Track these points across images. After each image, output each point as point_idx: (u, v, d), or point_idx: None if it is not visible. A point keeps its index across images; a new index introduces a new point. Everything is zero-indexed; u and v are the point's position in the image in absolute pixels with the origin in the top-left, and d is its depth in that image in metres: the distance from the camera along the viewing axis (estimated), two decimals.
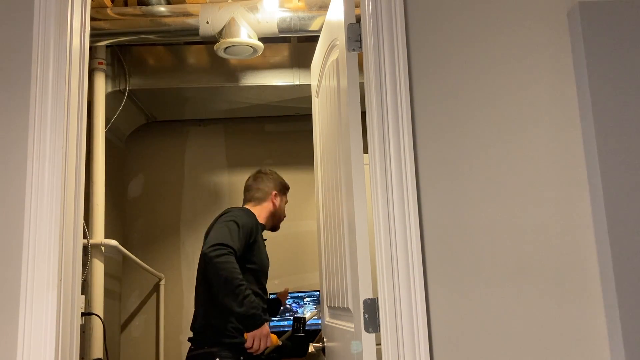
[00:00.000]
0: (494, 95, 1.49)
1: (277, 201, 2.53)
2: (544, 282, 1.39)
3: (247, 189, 2.57)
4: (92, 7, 1.81)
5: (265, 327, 2.14)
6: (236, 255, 2.13)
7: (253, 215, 2.39)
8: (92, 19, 2.76)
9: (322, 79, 2.13)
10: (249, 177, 2.60)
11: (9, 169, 1.51)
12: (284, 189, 2.61)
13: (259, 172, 2.60)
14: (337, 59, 1.79)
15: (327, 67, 2.01)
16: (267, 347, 2.17)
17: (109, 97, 3.33)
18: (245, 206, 2.51)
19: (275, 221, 2.57)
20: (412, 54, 1.51)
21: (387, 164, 1.45)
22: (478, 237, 1.42)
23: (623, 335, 1.31)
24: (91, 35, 1.77)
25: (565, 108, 1.48)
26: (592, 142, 1.41)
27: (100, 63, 3.20)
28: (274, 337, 2.29)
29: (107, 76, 3.28)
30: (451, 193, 1.45)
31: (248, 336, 2.12)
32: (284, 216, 2.60)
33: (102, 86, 3.21)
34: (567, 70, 1.49)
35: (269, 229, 2.55)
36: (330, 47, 1.91)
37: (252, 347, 2.12)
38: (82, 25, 1.67)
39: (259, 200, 2.51)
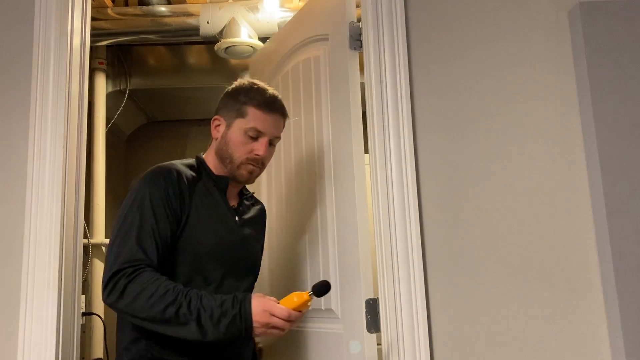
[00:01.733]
0: (494, 94, 1.49)
1: (220, 130, 1.52)
2: (544, 282, 1.39)
3: None
4: (92, 7, 1.81)
5: (257, 307, 1.26)
6: (153, 264, 1.31)
7: (164, 173, 1.39)
8: (93, 19, 2.74)
9: (276, 73, 2.08)
10: None
11: (10, 168, 1.51)
12: (234, 105, 1.50)
13: None
14: (320, 57, 1.73)
15: (293, 61, 1.94)
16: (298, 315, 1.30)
17: (109, 97, 3.33)
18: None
19: (227, 164, 1.49)
20: (412, 53, 1.51)
21: (388, 163, 1.45)
22: (478, 237, 1.42)
23: (623, 334, 1.31)
24: (92, 35, 1.77)
25: (566, 107, 1.47)
26: (592, 142, 1.41)
27: (100, 63, 3.20)
28: (293, 300, 1.31)
29: (107, 76, 3.29)
30: (452, 192, 1.45)
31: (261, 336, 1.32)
32: (250, 155, 1.46)
33: (102, 86, 3.22)
34: (567, 70, 1.49)
35: (237, 180, 1.51)
36: (309, 42, 1.83)
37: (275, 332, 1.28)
38: (83, 25, 1.67)
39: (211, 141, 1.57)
